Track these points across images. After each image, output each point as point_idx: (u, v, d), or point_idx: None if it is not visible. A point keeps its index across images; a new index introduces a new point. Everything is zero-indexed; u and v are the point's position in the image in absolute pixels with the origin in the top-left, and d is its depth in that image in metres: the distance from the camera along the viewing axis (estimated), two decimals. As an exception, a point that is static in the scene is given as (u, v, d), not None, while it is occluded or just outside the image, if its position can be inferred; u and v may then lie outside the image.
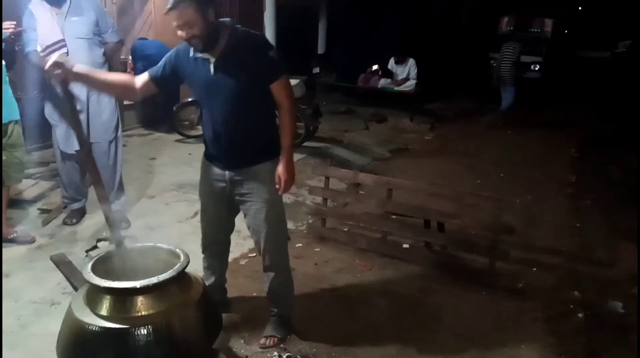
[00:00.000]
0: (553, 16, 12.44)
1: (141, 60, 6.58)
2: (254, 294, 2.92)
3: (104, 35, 3.58)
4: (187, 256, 2.01)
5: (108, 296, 1.86)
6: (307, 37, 10.98)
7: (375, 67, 9.31)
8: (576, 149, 7.26)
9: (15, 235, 3.41)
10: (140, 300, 1.86)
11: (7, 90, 3.19)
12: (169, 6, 2.04)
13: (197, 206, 2.65)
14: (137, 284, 1.83)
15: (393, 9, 11.01)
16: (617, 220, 4.46)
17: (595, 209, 4.81)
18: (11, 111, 3.21)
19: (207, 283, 2.47)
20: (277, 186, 2.30)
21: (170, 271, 1.90)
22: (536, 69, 11.45)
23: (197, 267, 2.51)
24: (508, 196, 4.13)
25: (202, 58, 2.19)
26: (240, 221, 2.55)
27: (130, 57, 7.01)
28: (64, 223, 3.76)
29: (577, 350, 2.64)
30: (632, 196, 4.79)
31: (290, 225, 3.88)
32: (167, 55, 2.32)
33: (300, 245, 3.72)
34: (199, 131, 6.05)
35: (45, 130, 4.05)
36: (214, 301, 2.24)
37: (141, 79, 2.33)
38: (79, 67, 2.19)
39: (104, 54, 3.61)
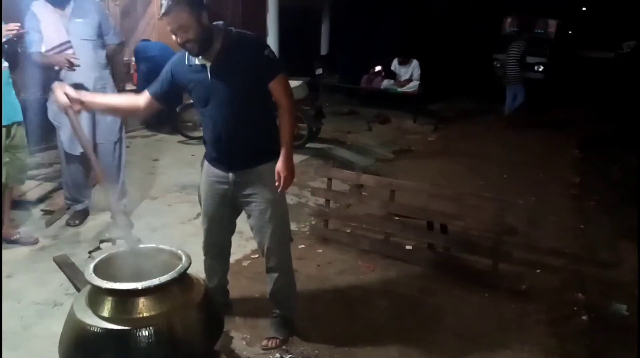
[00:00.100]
0: (557, 17, 12.42)
1: (144, 61, 6.60)
2: (256, 295, 2.92)
3: (106, 37, 3.61)
4: (188, 257, 2.01)
5: (110, 298, 1.86)
6: (310, 38, 10.98)
7: (378, 68, 9.30)
8: (580, 149, 7.24)
9: (18, 236, 3.42)
10: (141, 302, 1.85)
11: (10, 91, 3.20)
12: (162, 11, 2.05)
13: (200, 208, 2.65)
14: (139, 285, 1.82)
15: (395, 10, 11.00)
16: (621, 221, 4.44)
17: (599, 210, 4.79)
18: (14, 113, 3.22)
19: (209, 285, 2.47)
20: (276, 184, 2.29)
21: (172, 272, 1.89)
22: (540, 69, 11.44)
23: (199, 268, 2.51)
24: (511, 197, 4.12)
25: (198, 64, 2.20)
26: (242, 222, 2.55)
27: (133, 58, 7.03)
28: (67, 224, 3.77)
29: (581, 353, 2.63)
30: (636, 196, 4.76)
31: (292, 226, 3.88)
32: (163, 70, 2.33)
33: (303, 246, 3.72)
34: (201, 132, 6.04)
35: (48, 131, 4.07)
36: (215, 303, 2.24)
37: (144, 98, 2.35)
38: (84, 95, 2.22)
39: (106, 55, 3.62)
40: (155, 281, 1.84)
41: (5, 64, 3.11)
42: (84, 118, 3.33)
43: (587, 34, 18.82)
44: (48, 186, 4.44)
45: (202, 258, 2.60)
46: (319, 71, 9.57)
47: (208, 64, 2.19)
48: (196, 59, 2.19)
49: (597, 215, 4.67)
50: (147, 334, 1.80)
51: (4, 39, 2.96)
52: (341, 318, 2.83)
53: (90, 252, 3.33)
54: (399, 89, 8.83)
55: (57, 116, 3.59)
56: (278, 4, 7.59)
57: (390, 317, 2.86)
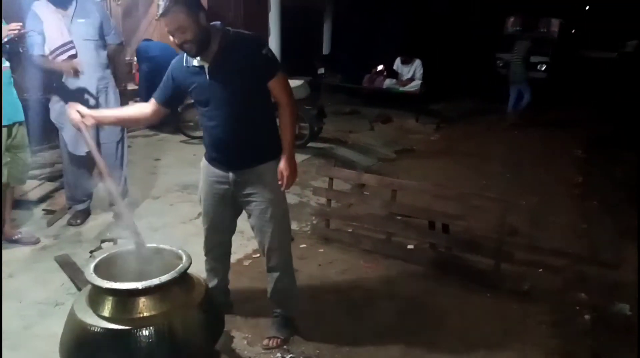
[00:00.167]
0: (560, 16, 12.38)
1: (146, 61, 6.61)
2: (258, 295, 2.91)
3: (107, 37, 3.61)
4: (189, 257, 2.01)
5: (110, 298, 1.86)
6: (312, 38, 10.98)
7: (380, 67, 9.29)
8: (582, 149, 7.22)
9: (19, 235, 3.43)
10: (142, 301, 1.85)
11: (12, 91, 3.20)
12: (160, 12, 2.05)
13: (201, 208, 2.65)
14: (139, 285, 1.83)
15: (397, 9, 10.99)
16: (624, 221, 4.42)
17: (602, 210, 4.76)
18: (16, 113, 3.22)
19: (210, 285, 2.47)
20: (279, 183, 2.29)
21: (172, 272, 1.90)
22: (542, 69, 11.41)
23: (200, 268, 2.51)
24: (514, 197, 4.11)
25: (196, 66, 2.20)
26: (243, 222, 2.55)
27: (135, 58, 7.03)
28: (69, 223, 3.78)
29: (583, 353, 2.62)
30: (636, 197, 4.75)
31: (294, 226, 3.88)
32: (165, 76, 2.35)
33: (304, 245, 3.71)
34: (203, 132, 6.05)
35: (49, 131, 4.07)
36: (216, 303, 2.24)
37: (151, 105, 2.39)
38: (94, 112, 2.33)
39: (107, 55, 3.63)
40: (155, 281, 1.84)
41: (6, 64, 3.11)
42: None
43: (590, 33, 18.75)
44: (49, 185, 4.44)
45: (203, 257, 2.60)
46: (321, 71, 9.58)
47: (206, 65, 2.19)
48: (194, 61, 2.19)
49: (600, 215, 4.65)
50: (147, 334, 1.81)
51: (6, 39, 2.96)
52: (342, 317, 2.82)
53: (91, 252, 3.33)
54: (401, 89, 8.82)
55: (59, 117, 3.59)
56: (280, 3, 7.59)
57: (391, 317, 2.85)
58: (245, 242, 3.50)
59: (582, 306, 3.03)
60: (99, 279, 1.86)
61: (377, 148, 6.88)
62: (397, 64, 9.08)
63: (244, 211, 2.47)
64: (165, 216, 4.04)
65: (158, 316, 1.85)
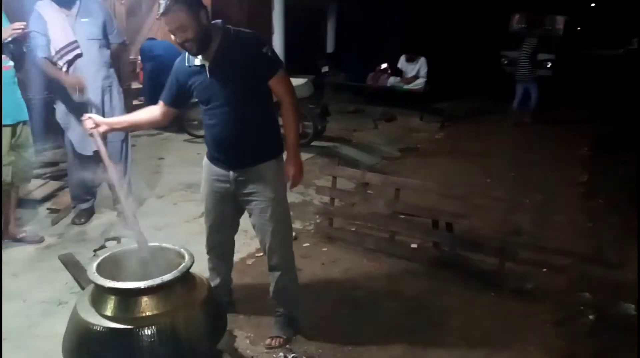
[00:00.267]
0: (565, 13, 12.32)
1: (150, 60, 6.62)
2: (260, 294, 2.90)
3: (110, 36, 3.62)
4: (191, 256, 2.01)
5: (113, 297, 1.86)
6: (316, 36, 10.97)
7: (384, 65, 9.27)
8: (588, 147, 7.17)
9: (23, 234, 3.45)
10: (144, 301, 1.85)
11: (16, 91, 3.21)
12: (161, 11, 2.05)
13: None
14: (142, 284, 1.82)
15: (401, 7, 10.96)
16: (629, 220, 4.38)
17: (607, 209, 4.73)
18: (20, 112, 3.24)
19: (212, 284, 2.46)
20: (287, 182, 2.29)
21: (175, 271, 1.90)
22: (548, 66, 11.35)
23: (202, 267, 2.51)
24: (518, 195, 4.08)
25: (197, 65, 2.20)
26: (246, 220, 2.54)
27: (139, 57, 7.04)
28: (73, 222, 3.79)
29: (587, 353, 2.61)
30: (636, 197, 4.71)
31: (297, 225, 3.88)
32: (169, 77, 2.36)
33: (308, 244, 3.71)
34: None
35: (54, 131, 4.08)
36: (219, 302, 2.24)
37: (159, 108, 2.40)
38: (108, 120, 2.39)
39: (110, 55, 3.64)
40: (158, 280, 1.84)
41: (10, 63, 3.12)
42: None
43: (596, 30, 18.64)
44: (54, 184, 4.46)
45: (206, 256, 2.60)
46: (325, 69, 9.56)
47: (207, 64, 2.19)
48: (196, 60, 2.20)
49: (605, 214, 4.62)
50: (150, 333, 1.81)
51: (10, 39, 2.97)
52: (345, 317, 2.82)
53: (95, 251, 3.34)
54: (405, 87, 8.80)
55: (65, 117, 3.61)
56: (284, 2, 7.59)
57: (395, 316, 2.85)
58: (248, 241, 3.50)
59: (586, 306, 3.01)
60: (102, 278, 1.86)
61: (381, 147, 6.87)
62: (402, 62, 9.05)
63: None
64: (169, 215, 4.05)
65: (161, 315, 1.85)
